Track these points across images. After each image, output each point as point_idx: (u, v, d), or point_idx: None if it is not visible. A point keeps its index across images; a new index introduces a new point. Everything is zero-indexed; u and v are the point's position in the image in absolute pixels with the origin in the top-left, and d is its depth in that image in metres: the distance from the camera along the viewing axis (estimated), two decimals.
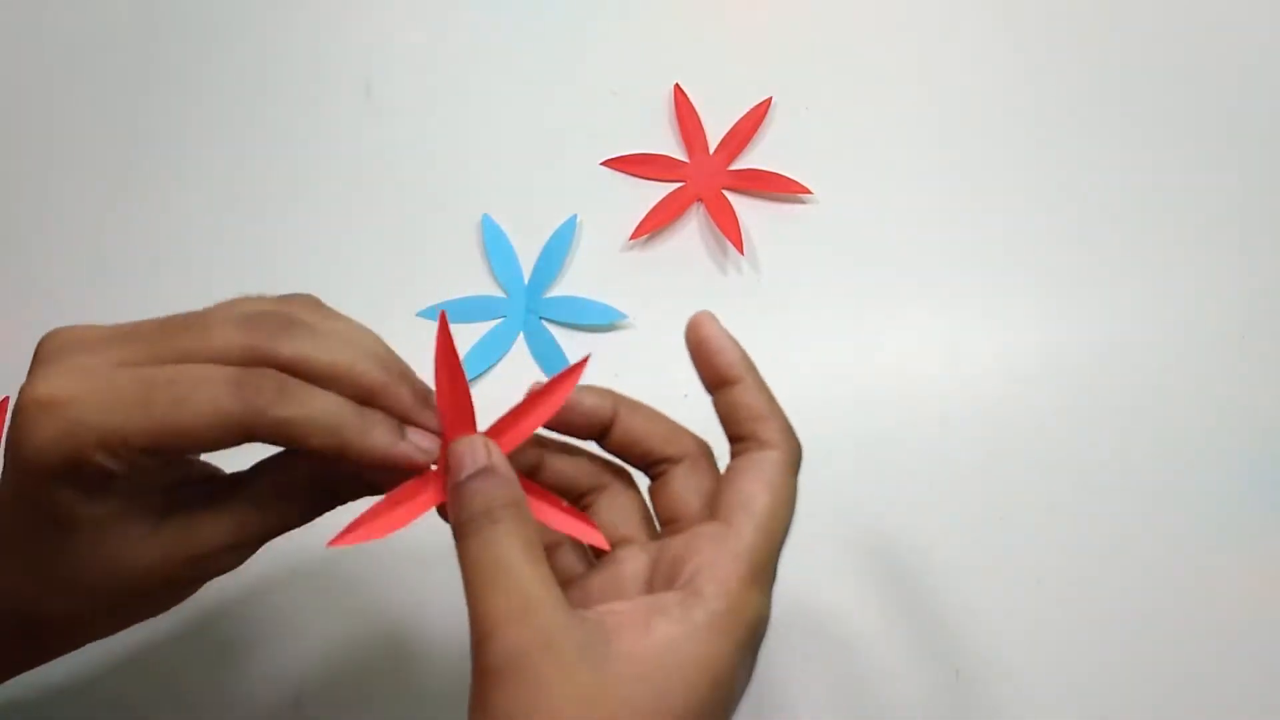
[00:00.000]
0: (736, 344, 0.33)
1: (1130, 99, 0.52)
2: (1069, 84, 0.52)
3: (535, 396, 0.32)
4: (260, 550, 0.45)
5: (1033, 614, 0.44)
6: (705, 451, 0.34)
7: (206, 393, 0.28)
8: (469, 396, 0.32)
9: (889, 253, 0.50)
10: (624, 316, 0.49)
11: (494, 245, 0.50)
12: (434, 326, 0.31)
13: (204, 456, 0.35)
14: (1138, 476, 0.46)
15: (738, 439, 0.33)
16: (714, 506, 0.32)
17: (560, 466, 0.34)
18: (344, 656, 0.44)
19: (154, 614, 0.34)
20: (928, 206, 0.51)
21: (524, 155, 0.51)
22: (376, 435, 0.30)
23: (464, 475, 0.30)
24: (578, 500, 0.34)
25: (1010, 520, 0.45)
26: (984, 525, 0.45)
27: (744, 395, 0.32)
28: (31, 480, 0.29)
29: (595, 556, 0.34)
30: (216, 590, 0.45)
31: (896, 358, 0.48)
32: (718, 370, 0.33)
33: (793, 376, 0.48)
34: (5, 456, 0.29)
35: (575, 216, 0.48)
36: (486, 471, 0.30)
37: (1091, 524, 0.45)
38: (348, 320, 0.32)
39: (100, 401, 0.28)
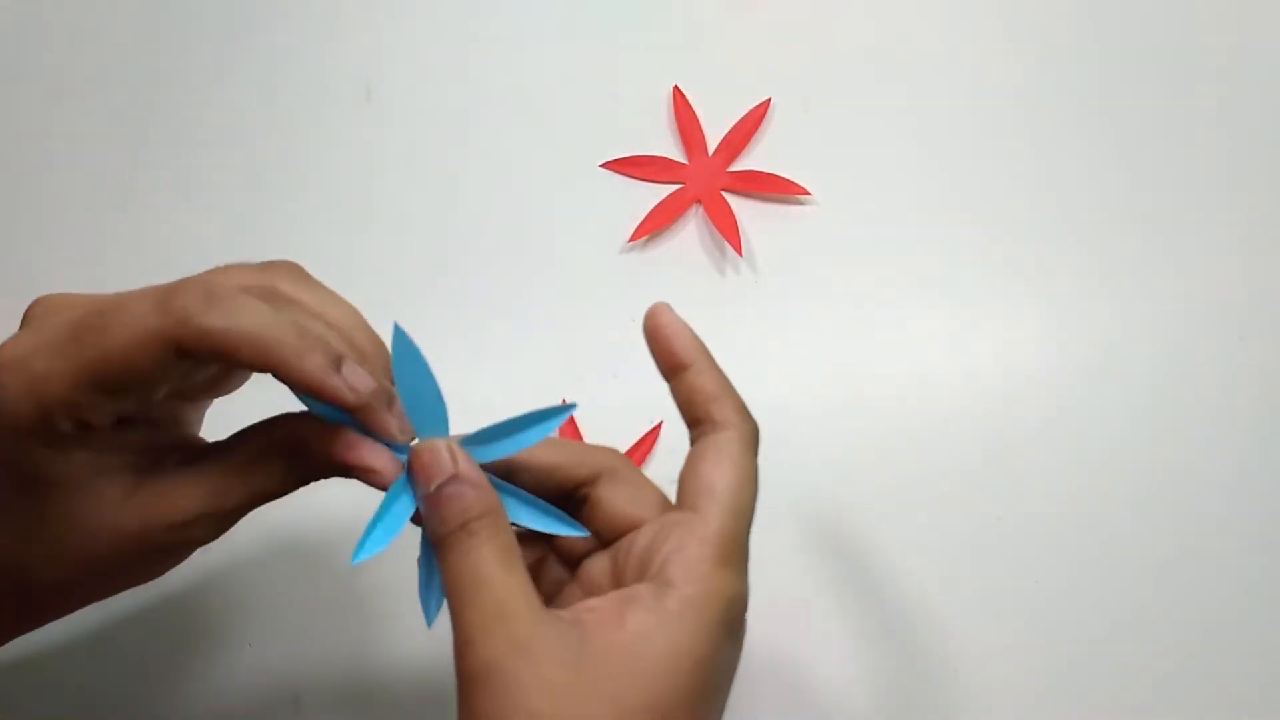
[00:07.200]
0: (690, 330, 0.33)
1: (1131, 100, 0.52)
2: (1068, 85, 0.52)
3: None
4: (259, 549, 0.46)
5: (1032, 614, 0.44)
6: (619, 460, 0.34)
7: (130, 313, 0.28)
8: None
9: (887, 254, 0.50)
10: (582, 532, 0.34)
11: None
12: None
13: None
14: (1136, 477, 0.46)
15: (694, 423, 0.33)
16: (678, 494, 0.32)
17: (547, 458, 0.33)
18: (344, 656, 0.44)
19: (139, 582, 0.34)
20: (926, 208, 0.51)
21: (524, 157, 0.51)
22: (312, 360, 0.29)
23: (434, 485, 0.30)
24: (576, 490, 0.34)
25: (1009, 520, 0.45)
26: (983, 525, 0.45)
27: (696, 378, 0.33)
28: (7, 441, 0.29)
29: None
30: (215, 588, 0.45)
31: (895, 360, 0.48)
32: (672, 355, 0.33)
33: (791, 378, 0.48)
34: None
35: (396, 324, 0.31)
36: (456, 480, 0.30)
37: (1090, 525, 0.45)
38: (328, 289, 0.31)
39: (45, 349, 0.28)
